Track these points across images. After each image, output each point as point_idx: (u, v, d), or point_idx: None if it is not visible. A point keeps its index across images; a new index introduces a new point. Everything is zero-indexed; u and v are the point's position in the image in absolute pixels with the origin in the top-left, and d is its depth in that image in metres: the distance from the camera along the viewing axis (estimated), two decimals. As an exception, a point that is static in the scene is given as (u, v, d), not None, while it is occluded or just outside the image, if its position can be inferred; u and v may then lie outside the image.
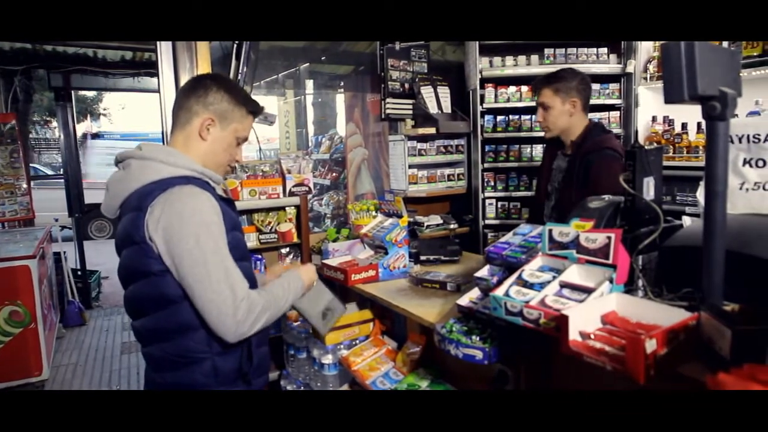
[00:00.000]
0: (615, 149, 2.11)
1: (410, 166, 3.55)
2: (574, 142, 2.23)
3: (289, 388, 2.44)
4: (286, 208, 2.86)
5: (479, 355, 1.31)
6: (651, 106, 3.38)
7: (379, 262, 2.11)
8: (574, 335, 1.04)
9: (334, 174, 5.09)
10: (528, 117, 3.57)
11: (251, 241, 2.71)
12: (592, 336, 1.05)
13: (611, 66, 3.45)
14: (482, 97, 3.56)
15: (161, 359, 1.35)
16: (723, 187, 1.03)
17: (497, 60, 3.58)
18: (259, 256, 2.73)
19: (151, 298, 1.31)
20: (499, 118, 3.61)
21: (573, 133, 2.24)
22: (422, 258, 2.29)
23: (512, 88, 3.55)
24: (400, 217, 2.27)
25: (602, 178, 1.96)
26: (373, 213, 2.52)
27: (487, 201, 3.69)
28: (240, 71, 2.97)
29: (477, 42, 3.48)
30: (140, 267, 1.29)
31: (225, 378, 1.35)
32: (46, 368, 3.70)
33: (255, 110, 1.48)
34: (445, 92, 3.61)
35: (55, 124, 14.39)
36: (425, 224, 3.04)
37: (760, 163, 1.25)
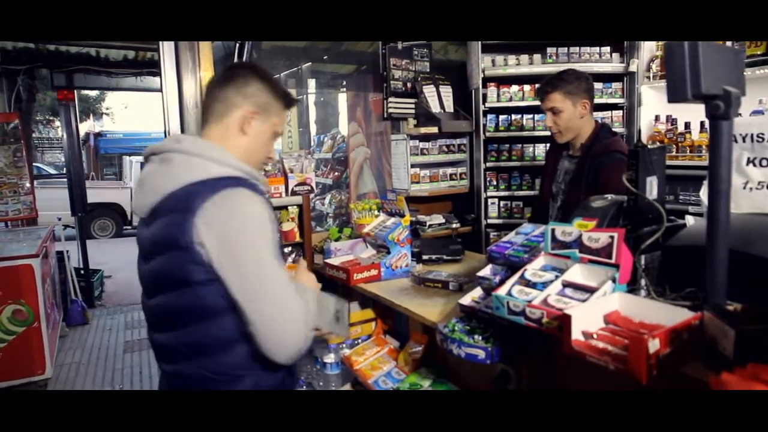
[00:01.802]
0: (624, 152, 2.09)
1: (412, 166, 3.55)
2: (584, 144, 2.22)
3: (291, 387, 2.45)
4: (289, 208, 2.86)
5: (481, 354, 1.31)
6: (654, 105, 3.37)
7: (381, 262, 2.11)
8: (576, 335, 1.04)
9: (336, 173, 5.09)
10: (530, 116, 3.56)
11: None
12: (595, 336, 1.05)
13: (614, 65, 3.44)
14: (484, 96, 3.56)
15: (196, 377, 1.18)
16: (726, 187, 1.03)
17: (500, 59, 3.57)
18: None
19: (189, 309, 1.16)
20: (502, 117, 3.60)
21: (582, 135, 2.23)
22: (424, 257, 2.29)
23: (515, 87, 3.54)
24: (402, 216, 2.26)
25: (613, 182, 1.95)
26: (376, 212, 2.52)
27: (490, 200, 3.69)
28: (242, 70, 2.98)
29: (479, 41, 3.48)
30: (180, 275, 1.13)
31: None
32: (49, 367, 3.71)
33: (291, 104, 1.38)
34: (447, 91, 3.61)
35: (57, 123, 14.44)
36: (427, 223, 3.04)
37: (764, 163, 1.25)
